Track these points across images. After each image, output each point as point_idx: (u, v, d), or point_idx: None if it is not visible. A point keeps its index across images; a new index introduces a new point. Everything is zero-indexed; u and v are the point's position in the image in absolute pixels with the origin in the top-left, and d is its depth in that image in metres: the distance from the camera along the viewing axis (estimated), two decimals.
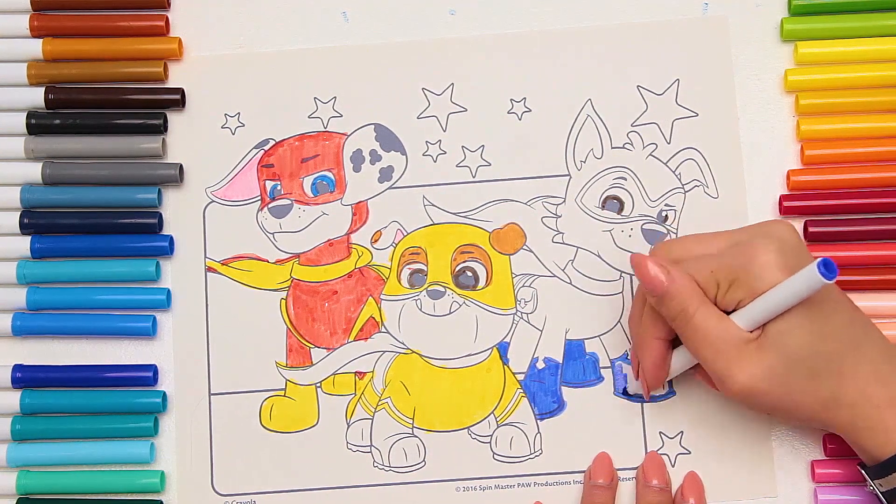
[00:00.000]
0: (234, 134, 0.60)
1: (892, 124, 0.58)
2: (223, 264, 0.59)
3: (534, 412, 0.57)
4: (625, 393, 0.57)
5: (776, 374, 0.48)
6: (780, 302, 0.48)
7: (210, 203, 0.60)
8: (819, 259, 0.45)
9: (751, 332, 0.49)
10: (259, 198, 0.59)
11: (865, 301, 0.57)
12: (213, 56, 0.61)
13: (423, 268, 0.59)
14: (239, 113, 0.60)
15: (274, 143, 0.60)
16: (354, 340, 0.58)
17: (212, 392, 0.58)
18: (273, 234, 0.59)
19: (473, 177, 0.59)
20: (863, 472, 0.50)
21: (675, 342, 0.53)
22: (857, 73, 0.59)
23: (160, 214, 0.59)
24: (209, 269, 0.59)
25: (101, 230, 0.59)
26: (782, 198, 0.58)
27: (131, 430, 0.57)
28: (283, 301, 0.58)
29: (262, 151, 0.60)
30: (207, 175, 0.60)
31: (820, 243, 0.57)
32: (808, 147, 0.58)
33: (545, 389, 0.57)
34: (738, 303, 0.49)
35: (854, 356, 0.49)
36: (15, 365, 0.58)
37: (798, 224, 0.58)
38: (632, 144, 0.59)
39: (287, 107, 0.60)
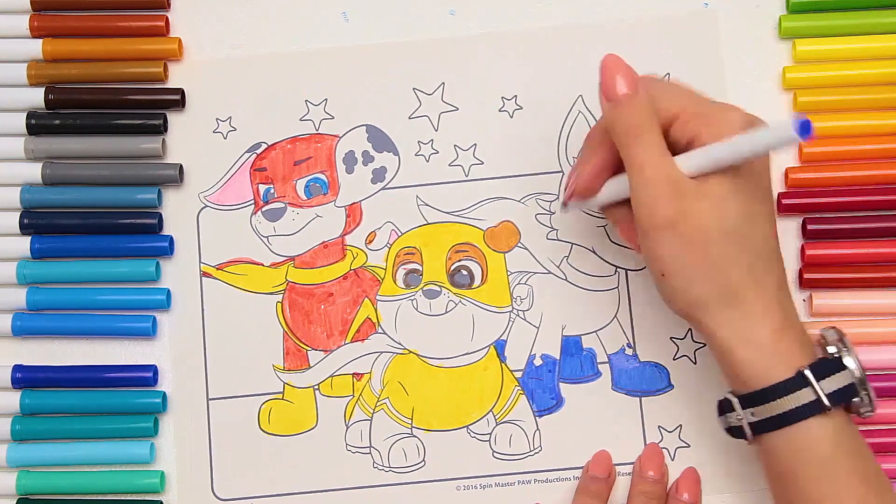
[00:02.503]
0: (226, 138, 0.60)
1: (890, 122, 0.58)
2: (218, 269, 0.59)
3: (532, 409, 0.57)
4: (563, 206, 0.53)
5: (698, 226, 0.46)
6: (739, 150, 0.46)
7: (204, 208, 0.60)
8: (799, 119, 0.42)
9: (691, 178, 0.47)
10: (252, 202, 0.59)
11: (864, 299, 0.57)
12: (204, 61, 0.61)
13: (419, 268, 0.59)
14: (230, 117, 0.60)
15: (266, 146, 0.60)
16: (351, 342, 0.58)
17: (210, 397, 0.58)
18: (267, 237, 0.59)
19: (466, 175, 0.59)
20: (733, 400, 0.48)
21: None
22: (856, 71, 0.59)
23: (160, 215, 0.59)
24: (204, 274, 0.59)
25: (101, 230, 0.59)
26: (780, 195, 0.58)
27: (131, 431, 0.57)
28: (279, 304, 0.58)
29: (255, 155, 0.60)
30: (200, 180, 0.60)
31: (818, 241, 0.57)
32: (806, 145, 0.58)
33: (543, 386, 0.57)
34: (691, 138, 0.47)
35: (771, 265, 0.48)
36: (15, 365, 0.58)
37: (797, 221, 0.58)
38: None
39: (278, 110, 0.60)
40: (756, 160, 0.47)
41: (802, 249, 0.58)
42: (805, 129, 0.42)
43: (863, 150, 0.58)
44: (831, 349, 0.48)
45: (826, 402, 0.46)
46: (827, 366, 0.47)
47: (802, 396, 0.46)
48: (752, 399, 0.47)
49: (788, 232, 0.58)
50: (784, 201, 0.58)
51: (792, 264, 0.58)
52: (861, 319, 0.57)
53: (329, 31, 0.61)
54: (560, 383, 0.57)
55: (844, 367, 0.47)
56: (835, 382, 0.46)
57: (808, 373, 0.46)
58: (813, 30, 0.59)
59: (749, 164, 0.47)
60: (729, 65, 0.60)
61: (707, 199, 0.46)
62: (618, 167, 0.50)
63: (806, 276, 0.57)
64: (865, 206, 0.58)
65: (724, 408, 0.49)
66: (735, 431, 0.49)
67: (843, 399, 0.47)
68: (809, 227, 0.57)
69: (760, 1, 0.60)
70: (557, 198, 0.54)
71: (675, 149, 0.48)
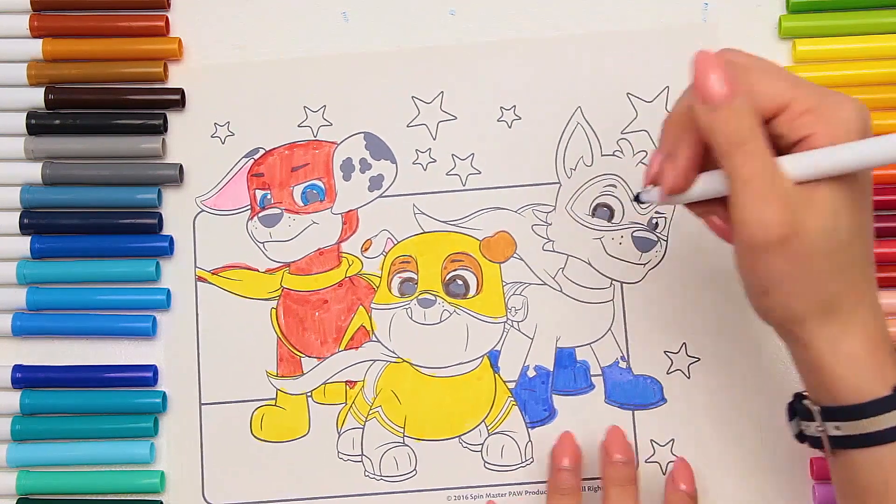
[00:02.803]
0: (223, 143, 0.60)
1: (890, 122, 0.58)
2: (213, 274, 0.59)
3: (525, 420, 0.57)
4: (636, 199, 0.49)
5: (809, 242, 0.42)
6: (864, 158, 0.41)
7: (200, 212, 0.60)
8: None
9: (798, 183, 0.43)
10: (249, 207, 0.59)
11: None
12: (203, 65, 0.61)
13: (414, 276, 0.59)
14: (228, 122, 0.60)
15: (264, 152, 0.60)
16: (345, 349, 0.58)
17: (202, 402, 0.58)
18: (263, 243, 0.59)
19: (463, 185, 0.59)
20: (814, 409, 0.45)
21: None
22: (856, 71, 0.59)
23: (160, 215, 0.59)
24: (199, 279, 0.59)
25: (101, 230, 0.59)
26: None
27: (131, 431, 0.57)
28: (274, 310, 0.58)
29: (252, 160, 0.60)
30: (197, 184, 0.60)
31: None
32: None
33: (536, 397, 0.57)
34: (803, 137, 0.43)
35: (870, 278, 0.45)
36: (15, 365, 0.58)
37: None
38: (622, 152, 0.59)
39: (277, 115, 0.60)
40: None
41: None
42: None
43: None
44: None
45: None
46: None
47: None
48: (839, 413, 0.44)
49: None
50: None
51: None
52: None
53: (329, 31, 0.61)
54: (553, 395, 0.57)
55: None
56: None
57: None
58: (813, 30, 0.59)
59: (862, 171, 0.43)
60: None
61: (820, 213, 0.42)
62: (709, 158, 0.45)
63: None
64: None
65: (800, 414, 0.47)
66: (808, 440, 0.47)
67: None
68: None
69: (760, 1, 0.60)
70: (636, 197, 0.49)
71: (778, 144, 0.43)
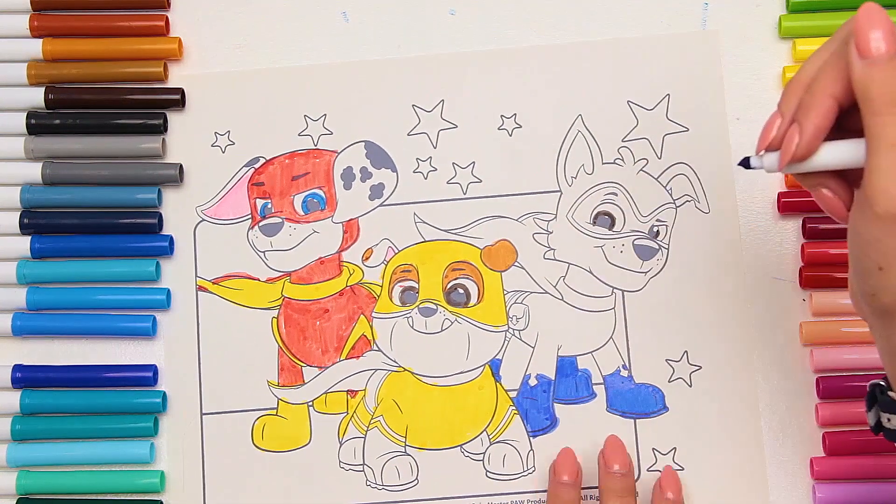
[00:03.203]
0: (224, 152, 0.60)
1: None
2: (214, 283, 0.59)
3: (526, 429, 0.57)
4: (744, 164, 0.44)
5: None
6: None
7: (201, 222, 0.59)
8: None
9: None
10: (250, 216, 0.59)
11: None
12: (203, 74, 0.61)
13: (415, 285, 0.58)
14: (229, 131, 0.60)
15: (264, 161, 0.60)
16: (346, 359, 0.58)
17: (203, 412, 0.58)
18: (264, 252, 0.59)
19: (464, 193, 0.59)
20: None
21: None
22: None
23: (160, 215, 0.59)
24: (200, 289, 0.59)
25: (101, 230, 0.59)
26: (780, 195, 0.58)
27: (131, 430, 0.57)
28: (275, 320, 0.58)
29: (253, 169, 0.60)
30: (198, 194, 0.60)
31: (818, 241, 0.58)
32: None
33: (538, 406, 0.57)
34: None
35: None
36: (15, 365, 0.58)
37: (797, 221, 0.58)
38: (623, 160, 0.59)
39: (277, 124, 0.60)
40: None
41: (802, 249, 0.58)
42: None
43: None
44: None
45: None
46: None
47: None
48: None
49: (788, 232, 0.58)
50: (784, 201, 0.58)
51: (792, 264, 0.58)
52: (861, 319, 0.57)
53: (329, 31, 0.61)
54: (555, 404, 0.57)
55: None
56: None
57: None
58: (813, 30, 0.59)
59: None
60: (729, 65, 0.60)
61: None
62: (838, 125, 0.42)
63: (806, 275, 0.57)
64: None
65: (881, 406, 0.45)
66: (886, 432, 0.45)
67: None
68: (809, 226, 0.58)
69: (760, 1, 0.60)
70: (744, 162, 0.44)
71: None
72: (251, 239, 0.59)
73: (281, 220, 0.59)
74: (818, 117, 0.41)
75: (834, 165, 0.42)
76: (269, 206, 0.59)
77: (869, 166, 0.40)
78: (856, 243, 0.42)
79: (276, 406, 0.58)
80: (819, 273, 0.57)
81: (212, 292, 0.59)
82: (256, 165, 0.60)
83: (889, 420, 0.45)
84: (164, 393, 0.58)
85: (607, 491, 0.53)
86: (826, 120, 0.41)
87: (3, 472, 0.57)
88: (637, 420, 0.57)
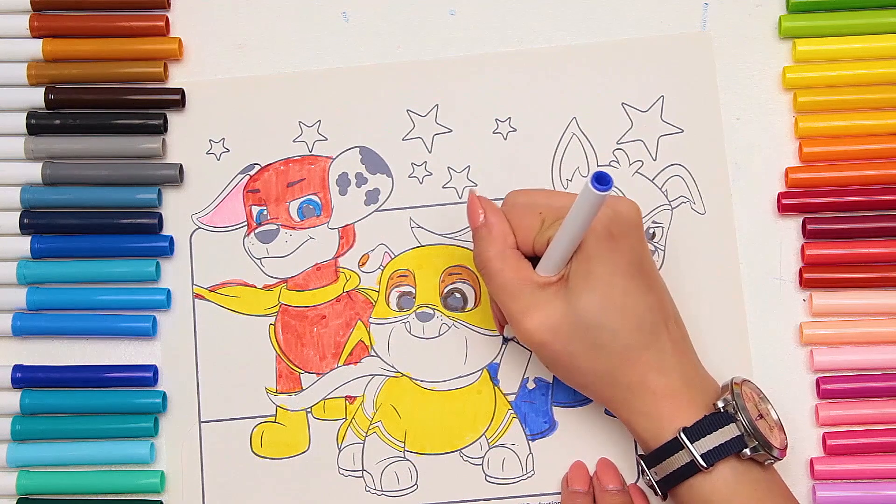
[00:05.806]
0: (219, 160, 0.60)
1: (890, 121, 0.58)
2: (211, 291, 0.59)
3: (525, 433, 0.57)
4: (504, 339, 0.57)
5: (560, 329, 0.49)
6: (568, 234, 0.47)
7: (196, 229, 0.59)
8: (593, 173, 0.43)
9: (554, 278, 0.50)
10: (245, 223, 0.59)
11: (864, 299, 0.57)
12: (197, 81, 0.61)
13: (412, 290, 0.58)
14: (224, 138, 0.60)
15: (259, 167, 0.60)
16: (344, 365, 0.58)
17: (202, 419, 0.58)
18: (260, 259, 0.59)
19: (460, 197, 0.59)
20: (641, 463, 0.51)
21: None
22: (856, 71, 0.58)
23: (160, 215, 0.59)
24: (197, 296, 0.59)
25: (101, 230, 0.59)
26: (780, 195, 0.58)
27: (131, 431, 0.57)
28: (272, 326, 0.58)
29: (248, 176, 0.60)
30: (193, 201, 0.60)
31: (818, 240, 0.58)
32: (806, 144, 0.58)
33: (536, 410, 0.57)
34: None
35: (643, 341, 0.49)
36: (15, 365, 0.58)
37: (797, 221, 0.58)
38: (618, 162, 0.59)
39: (272, 131, 0.60)
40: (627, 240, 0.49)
41: (802, 249, 0.58)
42: (602, 181, 0.43)
43: (862, 149, 0.58)
44: (720, 403, 0.49)
45: (701, 461, 0.48)
46: (709, 423, 0.48)
47: (682, 458, 0.48)
48: (649, 460, 0.50)
49: (788, 232, 0.58)
50: (784, 201, 0.58)
51: (792, 264, 0.58)
52: (861, 319, 0.57)
53: (329, 31, 0.61)
54: (553, 407, 0.57)
55: (732, 422, 0.48)
56: (714, 440, 0.48)
57: (682, 435, 0.48)
58: (813, 30, 0.59)
59: (595, 246, 0.49)
60: (729, 65, 0.60)
61: (565, 302, 0.49)
62: None
63: (806, 276, 0.57)
64: (865, 206, 0.57)
65: (641, 468, 0.52)
66: (653, 489, 0.51)
67: (722, 455, 0.48)
68: (809, 227, 0.57)
69: (760, 1, 0.60)
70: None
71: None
72: (247, 246, 0.59)
73: (277, 227, 0.59)
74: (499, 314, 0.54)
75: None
76: (265, 212, 0.59)
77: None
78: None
79: (274, 413, 0.58)
80: (819, 273, 0.57)
81: (209, 300, 0.59)
82: (251, 172, 0.60)
83: (643, 477, 0.52)
84: (164, 393, 0.58)
85: None
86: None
87: (3, 472, 0.57)
88: None
